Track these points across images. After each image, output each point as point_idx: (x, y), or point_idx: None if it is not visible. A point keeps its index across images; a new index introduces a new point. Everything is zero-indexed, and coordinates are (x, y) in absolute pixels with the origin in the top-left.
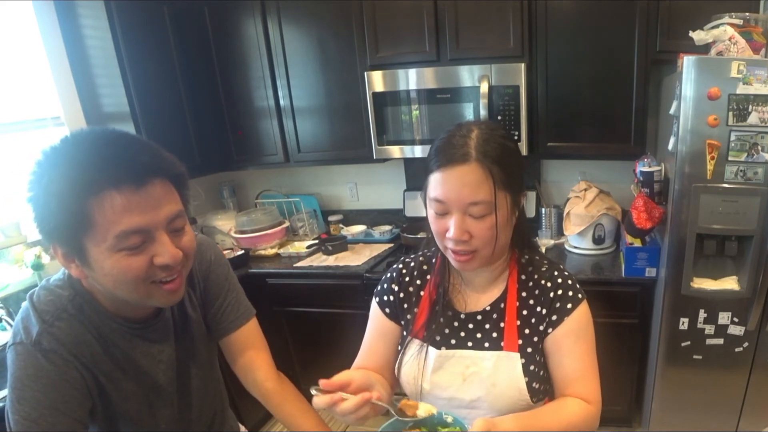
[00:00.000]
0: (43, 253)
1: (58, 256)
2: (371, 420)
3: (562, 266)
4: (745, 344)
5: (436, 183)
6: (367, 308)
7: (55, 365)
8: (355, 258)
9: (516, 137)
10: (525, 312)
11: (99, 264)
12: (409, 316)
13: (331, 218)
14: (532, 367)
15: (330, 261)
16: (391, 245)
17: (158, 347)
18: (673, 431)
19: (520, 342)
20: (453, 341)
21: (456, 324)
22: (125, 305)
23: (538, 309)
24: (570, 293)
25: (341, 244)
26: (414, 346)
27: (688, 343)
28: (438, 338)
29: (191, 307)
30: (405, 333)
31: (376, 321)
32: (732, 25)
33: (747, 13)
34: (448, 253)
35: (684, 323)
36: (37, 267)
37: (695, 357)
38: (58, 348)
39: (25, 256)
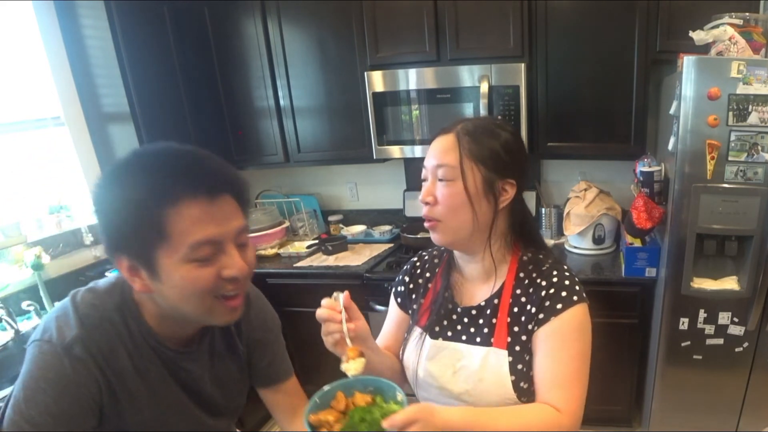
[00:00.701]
0: (43, 253)
1: (123, 268)
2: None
3: (566, 267)
4: (745, 344)
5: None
6: (368, 308)
7: (78, 375)
8: (355, 258)
9: None
10: (516, 309)
11: (169, 275)
12: (415, 306)
13: (331, 218)
14: (519, 366)
15: (330, 261)
16: (391, 245)
17: (192, 373)
18: (673, 431)
19: (509, 340)
20: (449, 333)
21: (454, 317)
22: (172, 325)
23: (529, 307)
24: (563, 293)
25: (341, 244)
26: (416, 334)
27: (688, 343)
28: (437, 329)
29: (232, 346)
30: (411, 322)
31: (391, 309)
32: (732, 25)
33: (747, 13)
34: (425, 224)
35: (684, 323)
36: (37, 267)
37: (695, 357)
38: (88, 358)
39: (25, 256)
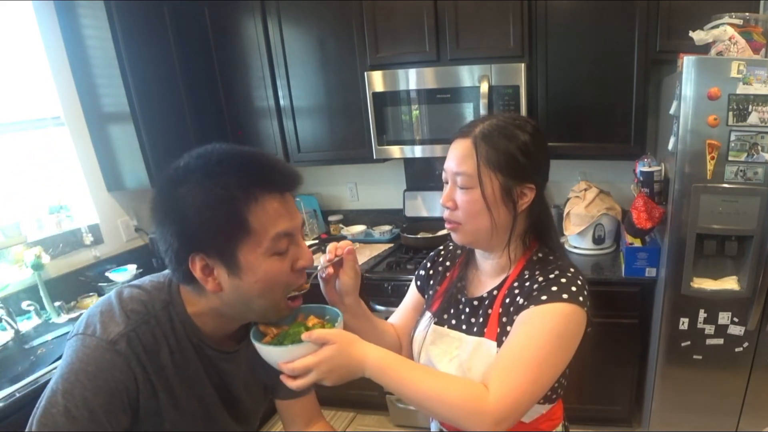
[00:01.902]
0: (43, 253)
1: (196, 269)
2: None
3: (573, 270)
4: (745, 344)
5: (448, 154)
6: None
7: (119, 371)
8: None
9: None
10: (507, 300)
11: (252, 270)
12: (431, 292)
13: (331, 218)
14: None
15: None
16: (391, 245)
17: (227, 375)
18: (673, 431)
19: (498, 330)
20: (453, 321)
21: (460, 306)
22: (216, 324)
23: (518, 299)
24: (553, 288)
25: None
26: (426, 318)
27: (688, 343)
28: (445, 316)
29: None
30: (425, 306)
31: (410, 290)
32: (732, 25)
33: (747, 13)
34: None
35: (684, 323)
36: (37, 267)
37: (695, 357)
38: (131, 354)
39: (25, 256)
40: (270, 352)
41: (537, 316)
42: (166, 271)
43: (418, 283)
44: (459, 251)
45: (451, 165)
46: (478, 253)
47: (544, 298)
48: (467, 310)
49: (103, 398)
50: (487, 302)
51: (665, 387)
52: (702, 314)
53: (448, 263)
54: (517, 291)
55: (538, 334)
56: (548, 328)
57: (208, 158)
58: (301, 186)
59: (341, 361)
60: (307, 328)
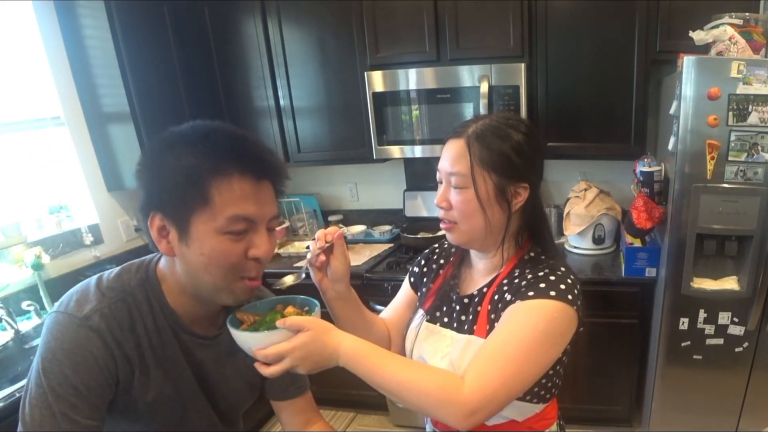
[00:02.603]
0: (43, 253)
1: (153, 227)
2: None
3: (564, 269)
4: (745, 344)
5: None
6: (368, 308)
7: (95, 347)
8: (355, 258)
9: None
10: (496, 297)
11: (200, 242)
12: (424, 289)
13: (331, 218)
14: None
15: None
16: (391, 245)
17: (205, 364)
18: (673, 431)
19: (488, 328)
20: (445, 319)
21: (452, 304)
22: (191, 303)
23: (506, 296)
24: (541, 284)
25: None
26: (418, 315)
27: (688, 343)
28: (437, 314)
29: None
30: (418, 303)
31: (403, 286)
32: (732, 25)
33: (747, 13)
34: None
35: (684, 323)
36: (37, 267)
37: (695, 357)
38: (105, 331)
39: (25, 256)
40: (244, 338)
41: (522, 311)
42: (150, 255)
43: (412, 279)
44: (453, 249)
45: (444, 165)
46: (472, 252)
47: (531, 294)
48: (458, 308)
49: (84, 374)
50: (477, 300)
51: (665, 387)
52: (702, 314)
53: (442, 261)
54: (506, 288)
55: (521, 329)
56: (533, 324)
57: (197, 130)
58: (286, 182)
59: (315, 348)
60: (284, 317)
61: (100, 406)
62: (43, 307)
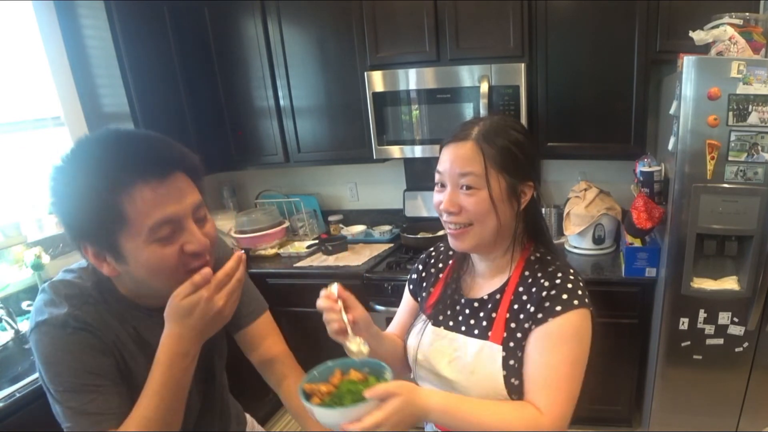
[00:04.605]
0: (43, 253)
1: (89, 255)
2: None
3: (572, 270)
4: (745, 344)
5: (441, 157)
6: (368, 309)
7: (85, 339)
8: (355, 258)
9: None
10: (516, 306)
11: (134, 257)
12: (424, 294)
13: (331, 218)
14: (512, 362)
15: (330, 261)
16: (391, 245)
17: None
18: (673, 431)
19: (505, 335)
20: (451, 323)
21: (458, 307)
22: (148, 295)
23: (528, 306)
24: (564, 296)
25: (341, 244)
26: (421, 320)
27: (688, 343)
28: (441, 318)
29: None
30: (419, 309)
31: (404, 296)
32: (732, 25)
33: (747, 13)
34: (448, 230)
35: (684, 323)
36: (37, 267)
37: (695, 357)
38: (89, 328)
39: (25, 256)
40: (332, 415)
41: (559, 329)
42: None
43: (411, 287)
44: (451, 252)
45: (453, 168)
46: (474, 256)
47: (558, 308)
48: (467, 311)
49: (88, 360)
50: (489, 305)
51: (665, 387)
52: (702, 314)
53: (440, 265)
54: (525, 297)
55: (565, 348)
56: (572, 339)
57: (84, 148)
58: (197, 164)
59: (407, 411)
60: (355, 383)
61: (119, 381)
62: None
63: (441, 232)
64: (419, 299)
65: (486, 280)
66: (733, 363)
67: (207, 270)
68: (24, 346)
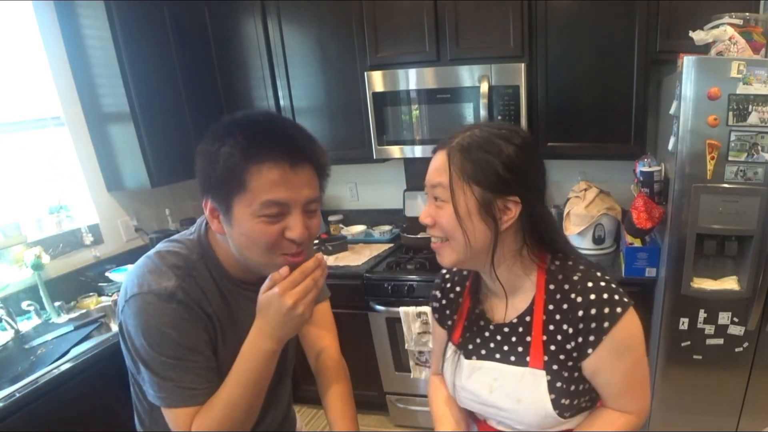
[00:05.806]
0: (43, 252)
1: (207, 208)
2: None
3: (598, 273)
4: (745, 344)
5: None
6: (367, 308)
7: (188, 314)
8: (355, 258)
9: None
10: (552, 327)
11: (239, 223)
12: (450, 322)
13: (331, 218)
14: (559, 384)
15: (330, 261)
16: (391, 245)
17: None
18: (673, 431)
19: (546, 359)
20: (483, 351)
21: (486, 334)
22: (245, 269)
23: (565, 327)
24: (606, 309)
25: (341, 244)
26: (450, 351)
27: (688, 343)
28: (470, 347)
29: None
30: (447, 338)
31: (433, 327)
32: (732, 25)
33: (747, 13)
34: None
35: (684, 323)
36: (37, 267)
37: (695, 357)
38: (191, 302)
39: (25, 256)
40: None
41: (617, 343)
42: (194, 227)
43: (437, 315)
44: (465, 272)
45: (429, 178)
46: (483, 274)
47: (606, 325)
48: (498, 338)
49: (191, 338)
50: (520, 329)
51: (665, 387)
52: (702, 314)
53: (458, 288)
54: (558, 316)
55: (628, 355)
56: (631, 342)
57: (239, 121)
58: (326, 164)
59: None
60: None
61: (212, 356)
62: (43, 307)
63: None
64: (446, 327)
65: (507, 301)
66: (733, 363)
67: (285, 269)
68: (24, 346)
